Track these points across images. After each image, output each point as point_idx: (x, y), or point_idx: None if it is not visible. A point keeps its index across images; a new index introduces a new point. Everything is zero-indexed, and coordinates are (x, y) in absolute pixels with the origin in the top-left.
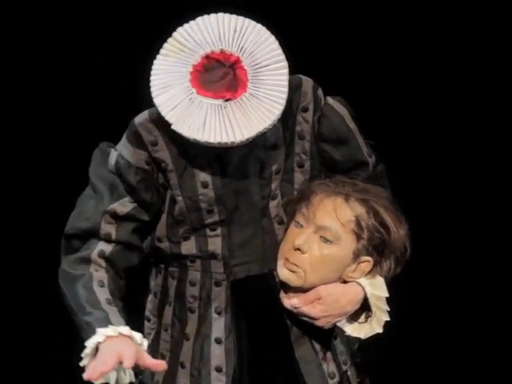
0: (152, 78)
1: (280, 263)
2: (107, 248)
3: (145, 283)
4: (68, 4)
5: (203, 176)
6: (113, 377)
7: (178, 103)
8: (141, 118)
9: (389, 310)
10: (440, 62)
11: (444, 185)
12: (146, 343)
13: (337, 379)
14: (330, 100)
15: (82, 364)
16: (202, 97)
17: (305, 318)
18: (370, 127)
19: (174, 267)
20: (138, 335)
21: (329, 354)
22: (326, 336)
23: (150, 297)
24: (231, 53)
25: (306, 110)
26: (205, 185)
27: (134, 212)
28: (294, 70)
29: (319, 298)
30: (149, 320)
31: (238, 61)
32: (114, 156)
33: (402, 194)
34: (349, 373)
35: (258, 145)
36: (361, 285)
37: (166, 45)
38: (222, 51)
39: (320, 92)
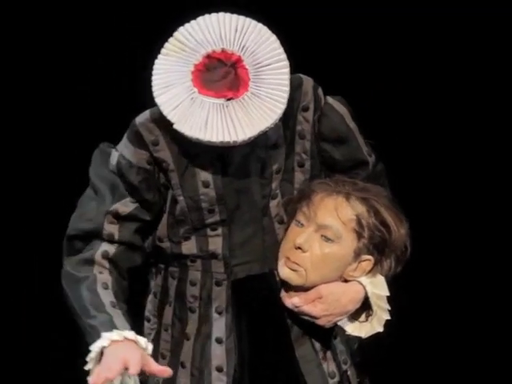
0: (153, 77)
1: (281, 262)
2: (110, 249)
3: (144, 283)
4: (68, 4)
5: (204, 176)
6: (117, 382)
7: (179, 103)
8: (142, 117)
9: (389, 308)
10: (440, 62)
11: (443, 184)
12: (150, 347)
13: (337, 379)
14: (330, 99)
15: (86, 368)
16: (204, 96)
17: (306, 317)
18: (370, 127)
19: (174, 267)
20: (142, 340)
21: (329, 354)
22: (326, 335)
23: (150, 297)
24: (232, 52)
25: (306, 109)
26: (206, 184)
27: (136, 212)
28: (293, 69)
29: (320, 297)
30: (149, 320)
31: (239, 60)
32: (115, 156)
33: (401, 193)
34: (349, 372)
35: (259, 144)
36: (361, 284)
37: (167, 44)
38: (223, 50)
39: (320, 91)
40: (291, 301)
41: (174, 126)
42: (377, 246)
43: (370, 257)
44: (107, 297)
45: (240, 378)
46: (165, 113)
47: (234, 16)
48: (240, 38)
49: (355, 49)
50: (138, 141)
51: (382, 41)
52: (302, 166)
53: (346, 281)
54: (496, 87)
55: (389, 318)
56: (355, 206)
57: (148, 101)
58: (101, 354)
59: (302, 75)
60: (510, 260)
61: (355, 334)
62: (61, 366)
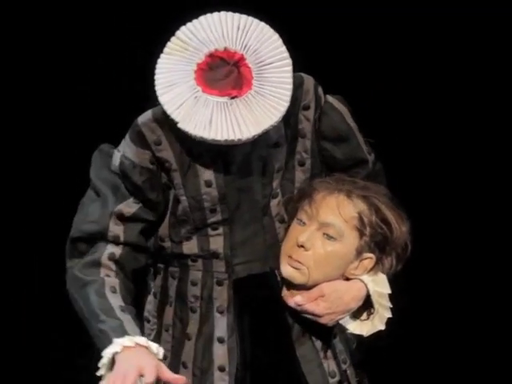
0: (156, 76)
1: (283, 261)
2: (117, 251)
3: (143, 284)
4: (68, 4)
5: (207, 175)
6: None
7: (183, 101)
8: (144, 117)
9: (391, 306)
10: (440, 62)
11: (443, 183)
12: (161, 352)
13: (337, 378)
14: (330, 98)
15: (98, 374)
16: (208, 95)
17: (308, 316)
18: (370, 127)
19: (174, 267)
20: (154, 345)
21: (329, 353)
22: (327, 335)
23: (149, 297)
24: (235, 51)
25: (307, 108)
26: (208, 184)
27: (139, 212)
28: (293, 68)
29: (323, 295)
30: (148, 321)
31: (242, 59)
32: (117, 157)
33: (400, 192)
34: (348, 372)
35: (261, 143)
36: (363, 282)
37: (169, 44)
38: (225, 49)
39: (320, 90)
40: (294, 299)
41: (179, 125)
42: (378, 243)
43: (371, 255)
44: (116, 301)
45: (242, 377)
46: (169, 112)
47: (236, 15)
48: (242, 36)
49: (355, 49)
50: (141, 141)
51: (381, 41)
52: (302, 164)
53: (347, 279)
54: (496, 87)
55: (390, 316)
56: (357, 204)
57: (149, 100)
58: (112, 359)
59: (302, 74)
60: (510, 257)
61: (357, 332)
62: (61, 366)
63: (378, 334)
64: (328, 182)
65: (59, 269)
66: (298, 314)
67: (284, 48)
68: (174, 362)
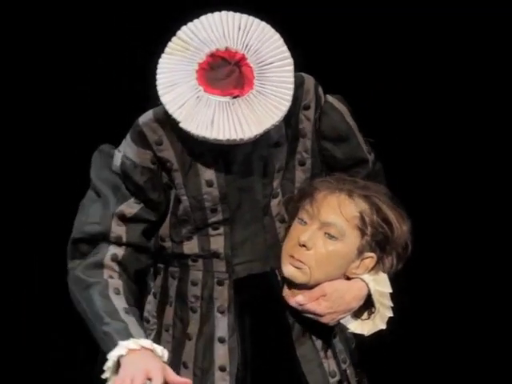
0: (158, 76)
1: (285, 260)
2: (119, 252)
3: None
4: (68, 4)
5: (208, 175)
6: None
7: (185, 101)
8: (145, 117)
9: (392, 305)
10: (440, 62)
11: (442, 183)
12: (166, 355)
13: (337, 378)
14: (329, 98)
15: (103, 377)
16: (210, 94)
17: (309, 315)
18: (370, 126)
19: (174, 267)
20: (158, 348)
21: (329, 353)
22: (327, 334)
23: (149, 298)
24: (236, 50)
25: (307, 107)
26: (209, 183)
27: (141, 212)
28: (294, 68)
29: (324, 295)
30: (148, 321)
31: (243, 58)
32: (118, 157)
33: (400, 191)
34: (348, 371)
35: (262, 143)
36: (364, 281)
37: (170, 43)
38: (226, 49)
39: (320, 90)
40: (295, 299)
41: (180, 125)
42: (379, 243)
43: (372, 254)
44: (120, 303)
45: (243, 377)
46: (170, 111)
47: (237, 14)
48: (243, 36)
49: (355, 49)
50: (142, 141)
51: (381, 41)
52: (302, 164)
53: (348, 278)
54: (496, 87)
55: (391, 315)
56: (358, 204)
57: (149, 100)
58: (117, 362)
59: (303, 74)
60: (510, 256)
61: (358, 331)
62: (61, 366)
63: (379, 334)
64: (329, 182)
65: (59, 269)
66: (298, 314)
67: (285, 48)
68: (174, 362)
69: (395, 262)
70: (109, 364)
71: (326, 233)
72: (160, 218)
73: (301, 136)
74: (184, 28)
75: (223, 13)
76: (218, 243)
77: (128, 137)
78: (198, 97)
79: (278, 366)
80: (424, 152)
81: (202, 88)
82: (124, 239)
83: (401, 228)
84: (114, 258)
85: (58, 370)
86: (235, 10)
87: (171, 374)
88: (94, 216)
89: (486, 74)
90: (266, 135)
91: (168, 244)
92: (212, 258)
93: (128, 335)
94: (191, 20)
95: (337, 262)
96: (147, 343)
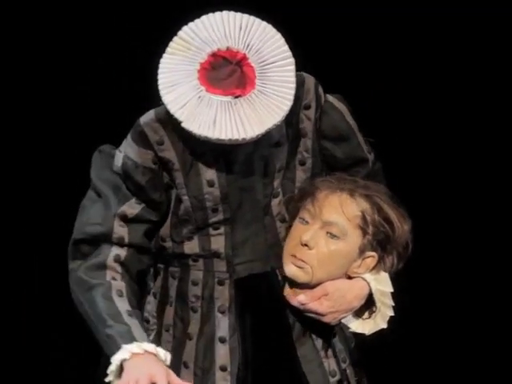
0: (159, 76)
1: (287, 260)
2: (121, 252)
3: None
4: (68, 4)
5: (209, 175)
6: None
7: (187, 101)
8: (146, 117)
9: (393, 305)
10: (440, 62)
11: (443, 183)
12: (169, 358)
13: (337, 377)
14: (329, 97)
15: (107, 380)
16: (212, 94)
17: (311, 315)
18: (370, 126)
19: (174, 267)
20: (162, 352)
21: (330, 352)
22: (327, 334)
23: (149, 298)
24: (237, 50)
25: (308, 107)
26: (211, 183)
27: (142, 213)
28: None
29: (326, 294)
30: (148, 321)
31: (244, 58)
32: (119, 157)
33: (401, 192)
34: (348, 371)
35: (263, 142)
36: (366, 280)
37: (172, 43)
38: (228, 49)
39: (321, 89)
40: (297, 299)
41: (182, 125)
42: (380, 242)
43: (373, 253)
44: (123, 305)
45: (243, 377)
46: (172, 111)
47: (238, 14)
48: (245, 36)
49: (355, 48)
50: (143, 141)
51: (381, 41)
52: (303, 164)
53: (349, 278)
54: (496, 87)
55: (393, 314)
56: (360, 203)
57: (149, 100)
58: (120, 366)
59: (303, 73)
60: (510, 256)
61: (359, 331)
62: (61, 366)
63: (380, 333)
64: (330, 181)
65: (59, 269)
66: (298, 314)
67: (286, 47)
68: (174, 361)
69: (396, 262)
70: (112, 368)
71: (327, 232)
72: (161, 218)
73: (301, 135)
74: (185, 28)
75: (224, 12)
76: (218, 243)
77: (129, 137)
78: (199, 97)
79: (278, 365)
80: (424, 152)
81: (203, 88)
82: (126, 240)
83: (402, 227)
84: (117, 259)
85: (58, 370)
86: (236, 10)
87: (175, 379)
88: (96, 217)
89: (486, 74)
90: (267, 135)
91: (169, 244)
92: (213, 257)
93: (131, 338)
94: (192, 20)
95: (339, 262)
96: (151, 347)
